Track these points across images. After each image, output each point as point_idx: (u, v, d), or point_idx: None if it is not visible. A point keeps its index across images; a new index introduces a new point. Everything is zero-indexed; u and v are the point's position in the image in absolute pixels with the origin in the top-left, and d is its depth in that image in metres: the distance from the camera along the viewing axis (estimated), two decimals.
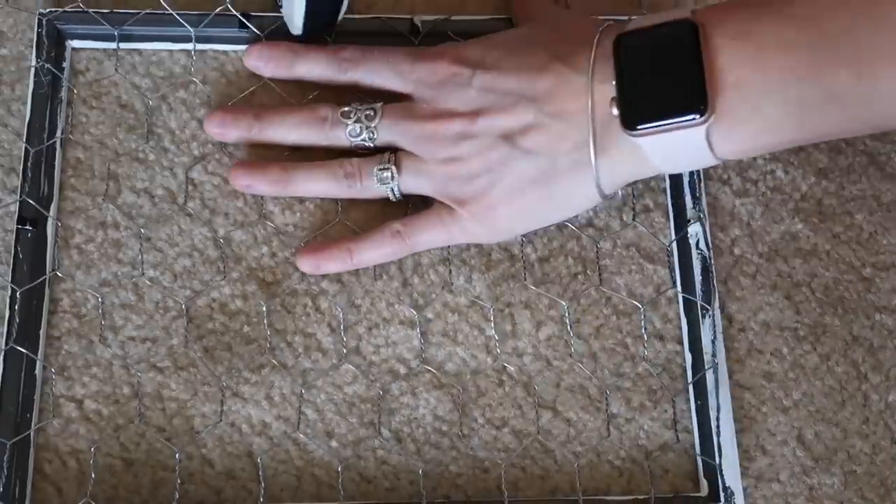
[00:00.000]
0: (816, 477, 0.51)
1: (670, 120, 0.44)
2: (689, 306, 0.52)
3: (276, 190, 0.51)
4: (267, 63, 0.52)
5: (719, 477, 0.49)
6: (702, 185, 0.53)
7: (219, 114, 0.52)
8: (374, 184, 0.50)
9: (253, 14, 0.53)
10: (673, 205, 0.54)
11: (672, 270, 0.53)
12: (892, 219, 0.54)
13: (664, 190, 0.54)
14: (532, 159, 0.48)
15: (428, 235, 0.51)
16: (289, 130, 0.51)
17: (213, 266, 0.51)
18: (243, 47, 0.54)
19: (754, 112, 0.44)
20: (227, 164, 0.53)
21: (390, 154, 0.50)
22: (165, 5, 0.52)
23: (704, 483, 0.50)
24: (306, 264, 0.51)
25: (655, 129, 0.44)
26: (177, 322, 0.50)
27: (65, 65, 0.53)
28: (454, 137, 0.49)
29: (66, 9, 0.53)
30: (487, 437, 0.50)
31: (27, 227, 0.50)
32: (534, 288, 0.52)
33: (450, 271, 0.52)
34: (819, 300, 0.53)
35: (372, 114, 0.50)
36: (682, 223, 0.53)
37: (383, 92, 0.52)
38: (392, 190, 0.51)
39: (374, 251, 0.51)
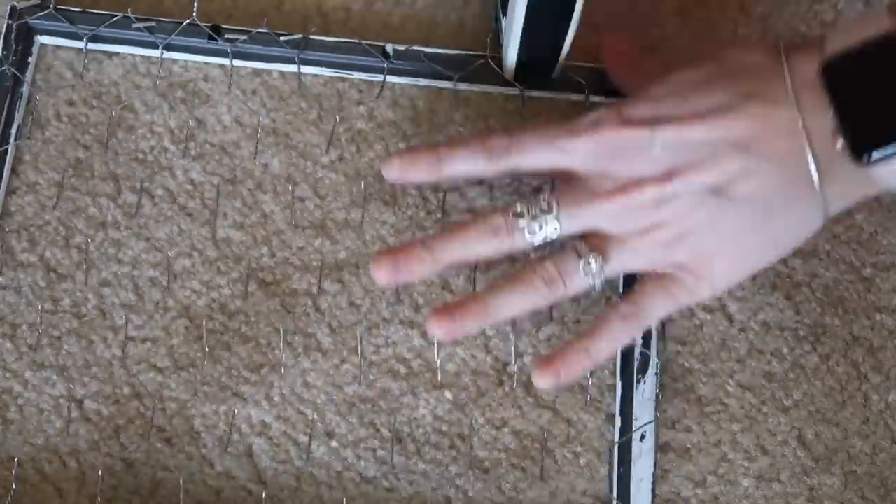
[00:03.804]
0: (817, 477, 0.51)
1: None
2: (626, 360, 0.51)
3: (478, 320, 0.47)
4: (410, 170, 0.48)
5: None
6: None
7: (385, 259, 0.47)
8: (581, 278, 0.46)
9: (224, 27, 0.53)
10: None
11: None
12: (892, 219, 0.54)
13: None
14: (744, 207, 0.44)
15: (659, 310, 0.47)
16: (465, 250, 0.47)
17: (213, 266, 0.51)
18: (210, 59, 0.53)
19: None
20: (226, 165, 0.53)
21: (582, 243, 0.47)
22: (133, 17, 0.52)
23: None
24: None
25: (891, 156, 0.41)
26: (177, 322, 0.51)
27: (30, 60, 0.53)
28: (650, 205, 0.45)
29: (36, 2, 0.53)
30: (487, 438, 0.50)
31: None
32: None
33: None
34: (819, 300, 0.53)
35: (546, 206, 0.46)
36: None
37: (537, 174, 0.48)
38: (597, 279, 0.46)
39: (609, 344, 0.47)
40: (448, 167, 0.47)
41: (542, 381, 0.47)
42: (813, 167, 0.43)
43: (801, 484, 0.50)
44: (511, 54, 0.48)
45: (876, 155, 0.41)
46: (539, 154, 0.47)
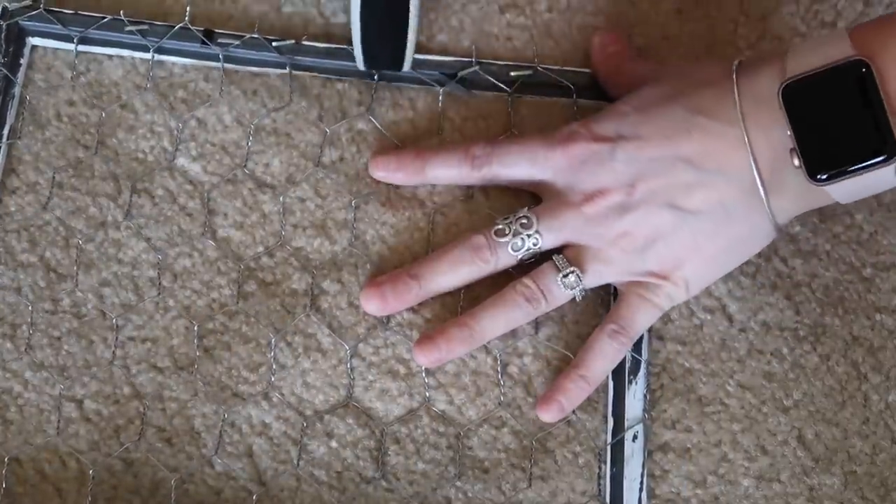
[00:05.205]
0: (816, 477, 0.51)
1: (858, 165, 0.43)
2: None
3: (464, 345, 0.49)
4: (395, 172, 0.51)
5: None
6: None
7: (374, 292, 0.50)
8: (561, 291, 0.49)
9: (217, 31, 0.53)
10: None
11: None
12: (892, 219, 0.54)
13: None
14: (704, 217, 0.47)
15: (643, 319, 0.49)
16: (452, 274, 0.49)
17: (213, 266, 0.51)
18: (203, 62, 0.53)
19: None
20: (227, 165, 0.53)
21: (561, 257, 0.49)
22: (126, 20, 0.52)
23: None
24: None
25: (842, 176, 0.44)
26: (177, 322, 0.51)
27: (22, 61, 0.53)
28: (615, 214, 0.47)
29: (28, 3, 0.53)
30: (487, 438, 0.50)
31: None
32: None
33: None
34: (819, 300, 0.53)
35: (527, 221, 0.49)
36: None
37: (517, 183, 0.51)
38: (577, 291, 0.49)
39: (603, 363, 0.50)
40: (431, 172, 0.51)
41: (548, 416, 0.49)
42: (758, 181, 0.46)
43: (801, 484, 0.50)
44: (357, 51, 0.50)
45: (830, 175, 0.44)
46: (517, 166, 0.50)
